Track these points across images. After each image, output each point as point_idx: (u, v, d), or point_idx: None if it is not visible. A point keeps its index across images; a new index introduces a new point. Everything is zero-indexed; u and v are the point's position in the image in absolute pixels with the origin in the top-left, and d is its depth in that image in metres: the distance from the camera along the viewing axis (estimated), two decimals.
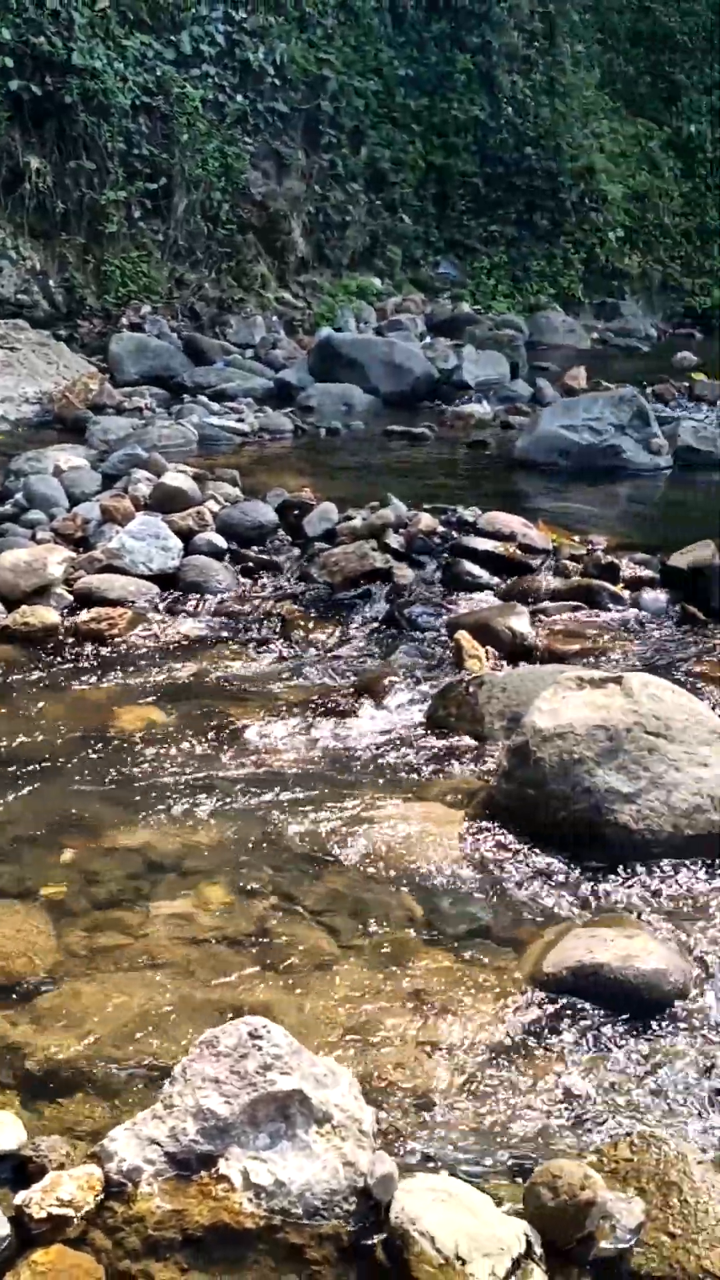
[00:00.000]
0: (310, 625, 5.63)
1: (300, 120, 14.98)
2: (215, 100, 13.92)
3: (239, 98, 14.23)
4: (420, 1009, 2.89)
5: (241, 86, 14.26)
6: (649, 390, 11.34)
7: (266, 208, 14.54)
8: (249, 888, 3.42)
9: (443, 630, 5.49)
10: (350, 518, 6.71)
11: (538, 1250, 2.19)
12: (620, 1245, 2.22)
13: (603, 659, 5.17)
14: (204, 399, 10.62)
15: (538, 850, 3.63)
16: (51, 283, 12.64)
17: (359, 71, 15.60)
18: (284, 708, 4.73)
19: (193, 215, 13.58)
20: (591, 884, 3.47)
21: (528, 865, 3.57)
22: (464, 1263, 2.12)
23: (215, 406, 10.36)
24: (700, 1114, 2.57)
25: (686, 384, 12.17)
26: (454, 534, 6.57)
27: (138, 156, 13.14)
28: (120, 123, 12.79)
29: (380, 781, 4.11)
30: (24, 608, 5.61)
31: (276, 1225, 2.18)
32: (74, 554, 6.28)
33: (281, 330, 13.87)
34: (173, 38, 13.47)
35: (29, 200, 12.33)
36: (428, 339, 13.58)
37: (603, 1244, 2.22)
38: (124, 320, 12.70)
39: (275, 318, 14.16)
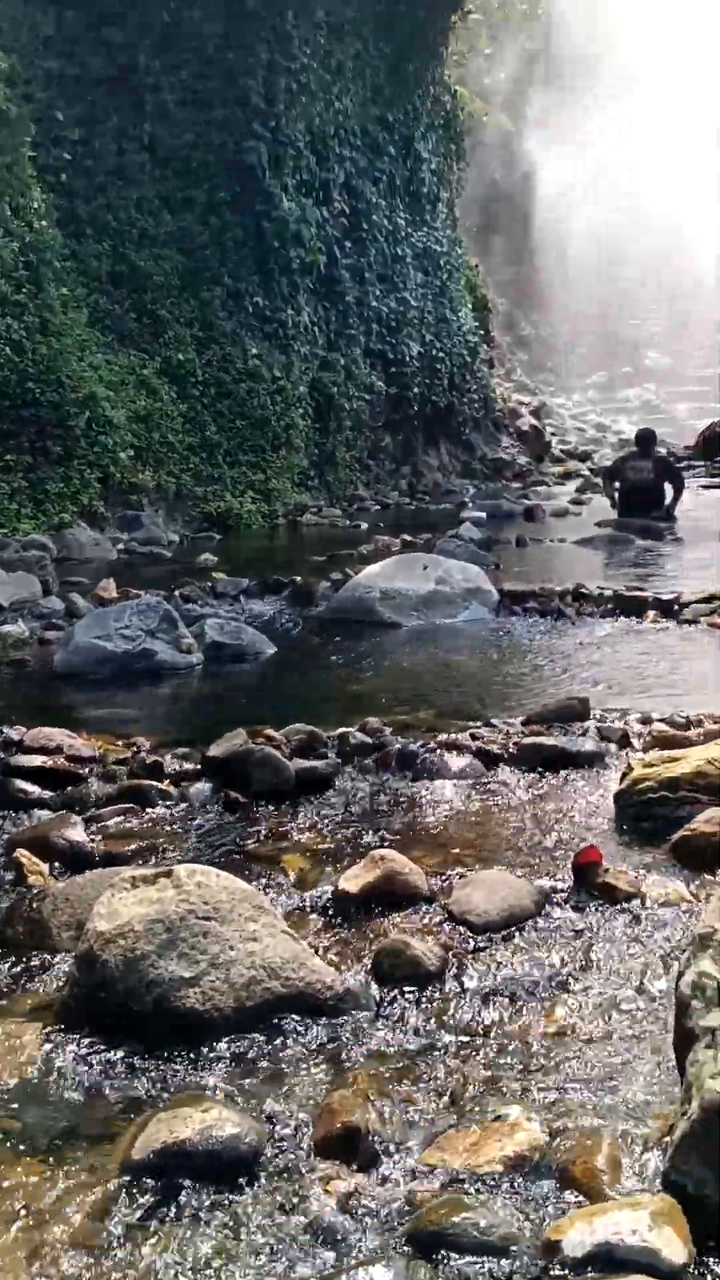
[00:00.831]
0: None
1: None
2: None
3: None
4: (19, 1217, 3.02)
5: None
6: (176, 593, 12.08)
7: None
8: None
9: (1, 851, 5.61)
10: None
11: None
12: None
13: (158, 855, 5.50)
14: None
15: (116, 1048, 3.85)
16: None
17: None
18: None
19: None
20: (169, 1069, 3.73)
21: (108, 1064, 3.78)
22: None
23: None
24: (279, 1250, 2.88)
25: (209, 583, 13.04)
26: (1, 754, 6.75)
27: None
28: None
29: None
30: None
31: None
32: None
33: None
34: None
35: None
36: None
37: None
38: None
39: None
